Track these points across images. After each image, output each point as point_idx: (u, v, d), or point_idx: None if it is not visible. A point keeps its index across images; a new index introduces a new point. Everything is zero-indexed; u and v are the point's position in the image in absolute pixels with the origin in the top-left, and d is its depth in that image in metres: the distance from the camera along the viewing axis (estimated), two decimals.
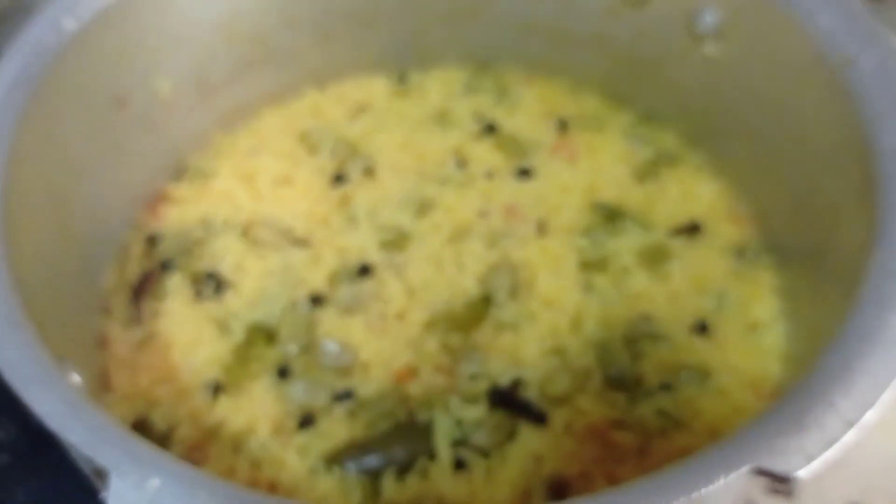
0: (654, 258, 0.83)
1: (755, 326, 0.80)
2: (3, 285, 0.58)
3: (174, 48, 0.85)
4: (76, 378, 0.59)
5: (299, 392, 0.74)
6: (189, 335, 0.78)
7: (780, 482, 0.47)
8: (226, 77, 0.91)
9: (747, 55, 0.80)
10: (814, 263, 0.77)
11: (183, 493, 0.48)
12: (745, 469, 0.47)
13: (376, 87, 0.98)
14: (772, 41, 0.76)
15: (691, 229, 0.85)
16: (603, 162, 0.91)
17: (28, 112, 0.69)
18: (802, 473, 0.48)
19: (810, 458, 0.48)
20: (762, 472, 0.48)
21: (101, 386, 0.76)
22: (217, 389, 0.75)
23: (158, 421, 0.74)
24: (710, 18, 0.82)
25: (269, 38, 0.91)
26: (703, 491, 0.47)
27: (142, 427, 0.74)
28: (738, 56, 0.81)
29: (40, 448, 0.55)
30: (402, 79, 0.99)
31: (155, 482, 0.48)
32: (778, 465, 0.48)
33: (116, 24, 0.78)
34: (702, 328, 0.79)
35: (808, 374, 0.54)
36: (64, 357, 0.60)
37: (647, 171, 0.90)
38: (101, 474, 0.50)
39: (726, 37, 0.82)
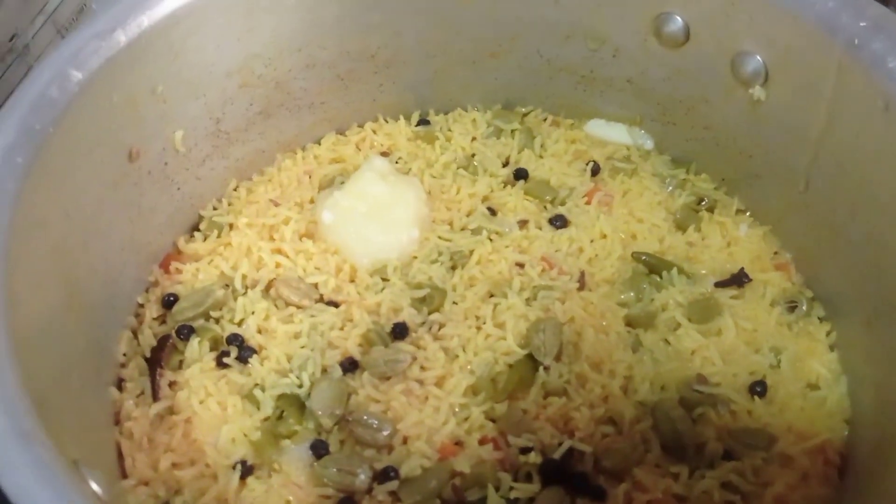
0: (704, 312, 0.74)
1: (815, 385, 0.71)
2: (11, 384, 0.47)
3: (187, 95, 0.74)
4: (95, 487, 0.48)
5: (336, 471, 0.64)
6: (212, 409, 0.67)
7: None
8: (242, 124, 0.80)
9: (799, 98, 0.71)
10: (879, 318, 0.68)
11: None
12: None
13: (398, 131, 0.87)
14: (829, 85, 0.68)
15: (739, 280, 0.76)
16: (640, 208, 0.81)
17: (33, 171, 0.58)
18: None
19: None
20: None
21: (115, 470, 0.65)
22: (246, 470, 0.64)
23: None
24: (756, 60, 0.73)
25: (287, 82, 0.81)
26: None
27: None
28: (787, 99, 0.72)
29: None
30: (424, 122, 0.89)
31: None
32: None
33: (126, 72, 0.67)
34: (760, 388, 0.69)
35: None
36: (78, 461, 0.49)
37: (687, 218, 0.81)
38: None
39: (774, 79, 0.73)
